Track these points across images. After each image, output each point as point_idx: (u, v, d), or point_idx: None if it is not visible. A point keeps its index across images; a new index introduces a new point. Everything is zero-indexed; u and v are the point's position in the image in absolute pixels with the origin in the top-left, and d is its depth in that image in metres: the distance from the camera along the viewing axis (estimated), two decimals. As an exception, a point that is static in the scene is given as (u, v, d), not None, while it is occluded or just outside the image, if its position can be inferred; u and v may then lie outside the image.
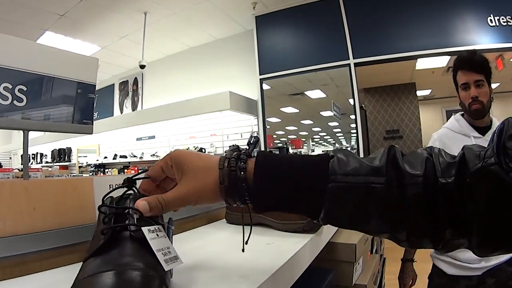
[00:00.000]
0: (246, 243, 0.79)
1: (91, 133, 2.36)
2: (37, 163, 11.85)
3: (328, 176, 0.58)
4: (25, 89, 1.91)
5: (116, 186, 0.83)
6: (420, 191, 0.54)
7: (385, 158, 0.59)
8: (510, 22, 5.18)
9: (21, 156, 11.88)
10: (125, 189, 0.73)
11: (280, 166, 0.62)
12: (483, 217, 0.51)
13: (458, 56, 2.33)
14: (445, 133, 2.44)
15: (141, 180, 0.74)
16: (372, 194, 0.56)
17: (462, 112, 2.44)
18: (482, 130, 2.29)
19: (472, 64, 2.25)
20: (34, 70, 1.96)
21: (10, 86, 1.85)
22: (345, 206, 0.58)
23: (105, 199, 0.69)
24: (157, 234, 0.62)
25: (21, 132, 2.10)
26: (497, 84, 9.32)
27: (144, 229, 0.61)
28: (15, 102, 1.89)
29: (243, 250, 0.76)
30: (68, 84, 2.14)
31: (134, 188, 0.74)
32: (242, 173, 0.62)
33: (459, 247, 0.57)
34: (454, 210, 0.53)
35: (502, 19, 5.21)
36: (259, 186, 0.62)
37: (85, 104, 2.28)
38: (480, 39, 5.30)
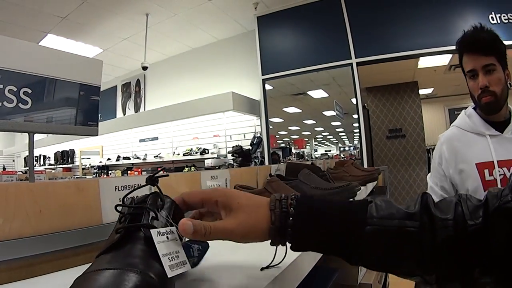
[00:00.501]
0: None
1: (96, 135, 2.36)
2: (40, 165, 11.86)
3: (365, 219, 0.62)
4: (29, 91, 1.90)
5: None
6: (451, 234, 0.57)
7: (419, 205, 0.62)
8: (511, 19, 5.18)
9: (25, 158, 11.97)
10: (152, 188, 0.75)
11: (319, 211, 0.66)
12: (504, 254, 0.54)
13: (462, 36, 1.94)
14: (454, 134, 2.06)
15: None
16: (406, 237, 0.59)
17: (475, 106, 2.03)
18: (500, 126, 1.90)
19: (478, 44, 1.84)
20: (39, 72, 1.95)
21: (15, 89, 1.85)
22: (379, 248, 0.61)
23: (125, 198, 0.71)
24: (167, 237, 0.62)
25: (24, 134, 2.10)
26: (499, 82, 9.30)
27: (153, 232, 0.61)
28: (19, 104, 1.88)
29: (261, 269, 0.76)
30: (72, 86, 2.15)
31: (157, 186, 0.75)
32: (291, 218, 0.64)
33: (485, 286, 0.58)
34: (482, 250, 0.56)
35: (504, 16, 5.20)
36: (299, 229, 0.64)
37: (90, 106, 2.29)
38: (482, 37, 5.26)
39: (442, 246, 0.57)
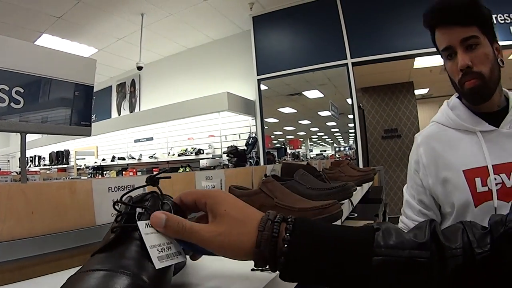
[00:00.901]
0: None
1: (90, 135, 2.33)
2: (35, 166, 11.83)
3: (373, 249, 0.57)
4: (22, 91, 1.89)
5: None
6: (460, 262, 0.55)
7: (428, 233, 0.59)
8: (508, 20, 5.19)
9: (19, 158, 11.90)
10: (146, 189, 0.74)
11: (320, 237, 0.60)
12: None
13: (429, 6, 1.50)
14: (434, 132, 1.61)
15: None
16: (416, 268, 0.56)
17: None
18: (494, 118, 1.43)
19: (450, 11, 1.37)
20: (31, 71, 1.94)
21: (7, 88, 1.84)
22: (388, 279, 0.57)
23: (124, 197, 0.68)
24: (156, 229, 0.61)
25: (19, 134, 2.08)
26: (495, 82, 9.33)
27: (140, 224, 0.60)
28: (12, 104, 1.87)
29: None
30: (66, 86, 2.13)
31: (157, 187, 0.73)
32: (286, 245, 0.58)
33: None
34: (491, 277, 0.55)
35: (500, 17, 5.21)
36: (295, 259, 0.58)
37: (83, 105, 2.26)
38: (478, 37, 5.27)
39: (452, 276, 0.55)
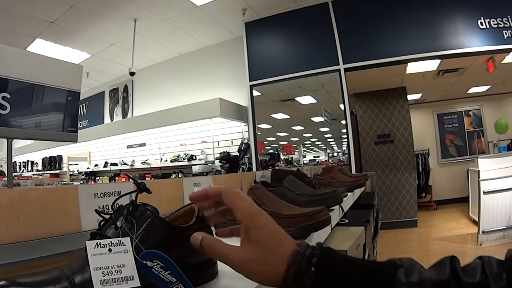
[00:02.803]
0: None
1: (76, 141, 2.31)
2: (28, 171, 11.78)
3: (394, 286, 0.57)
4: (8, 96, 1.87)
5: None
6: None
7: (449, 271, 0.59)
8: (500, 24, 5.23)
9: (6, 164, 11.85)
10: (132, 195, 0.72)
11: (344, 275, 0.60)
12: None
13: None
14: None
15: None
16: None
17: None
18: None
19: None
20: (18, 77, 1.92)
21: (-7, 94, 1.83)
22: None
23: (115, 204, 0.70)
24: (109, 249, 0.59)
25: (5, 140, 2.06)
26: (488, 87, 9.39)
27: (89, 244, 0.59)
28: (-2, 110, 1.86)
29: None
30: (52, 92, 2.11)
31: (145, 191, 0.72)
32: (310, 282, 0.58)
33: None
34: None
35: (493, 21, 5.25)
36: None
37: (70, 112, 2.23)
38: (471, 42, 5.35)
39: None
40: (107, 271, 0.56)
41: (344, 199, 1.81)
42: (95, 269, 0.55)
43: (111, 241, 0.59)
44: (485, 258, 0.60)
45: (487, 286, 0.55)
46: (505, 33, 5.21)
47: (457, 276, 0.57)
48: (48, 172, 11.17)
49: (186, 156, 7.95)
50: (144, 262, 0.61)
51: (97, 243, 0.58)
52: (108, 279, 0.55)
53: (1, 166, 13.13)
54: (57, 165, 11.10)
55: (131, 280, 0.58)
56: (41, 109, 2.08)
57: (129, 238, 0.62)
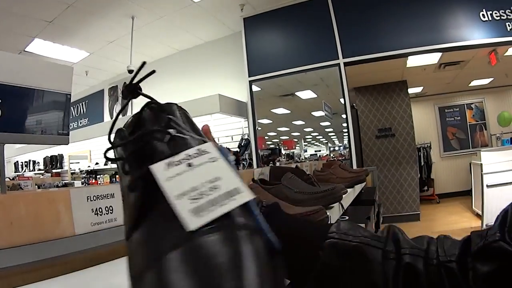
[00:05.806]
0: None
1: (67, 144, 2.29)
2: (30, 171, 11.78)
3: (326, 234, 0.58)
4: (-1, 101, 1.86)
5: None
6: (421, 266, 0.53)
7: (386, 232, 0.59)
8: (503, 16, 5.19)
9: (15, 164, 11.88)
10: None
11: (286, 222, 0.66)
12: None
13: None
14: None
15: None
16: (365, 254, 0.55)
17: None
18: None
19: None
20: (7, 81, 1.91)
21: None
22: (339, 259, 0.56)
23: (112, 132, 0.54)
24: (188, 165, 0.42)
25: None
26: (491, 79, 9.35)
27: (156, 167, 0.42)
28: (-11, 115, 1.84)
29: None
30: (42, 94, 2.09)
31: (141, 95, 0.57)
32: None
33: None
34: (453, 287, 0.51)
35: (495, 13, 5.22)
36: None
37: (60, 114, 2.21)
38: (472, 34, 5.32)
39: (405, 273, 0.52)
40: (197, 194, 0.38)
41: (344, 195, 1.79)
42: (177, 196, 0.37)
43: (187, 153, 0.43)
44: (441, 236, 0.59)
45: (436, 255, 0.53)
46: (508, 25, 5.18)
47: (396, 236, 0.58)
48: (50, 171, 11.15)
49: (186, 153, 7.92)
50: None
51: (169, 162, 0.42)
52: (203, 204, 0.37)
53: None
54: (58, 164, 11.10)
55: (237, 193, 0.40)
56: (32, 112, 2.06)
57: (205, 142, 0.48)
